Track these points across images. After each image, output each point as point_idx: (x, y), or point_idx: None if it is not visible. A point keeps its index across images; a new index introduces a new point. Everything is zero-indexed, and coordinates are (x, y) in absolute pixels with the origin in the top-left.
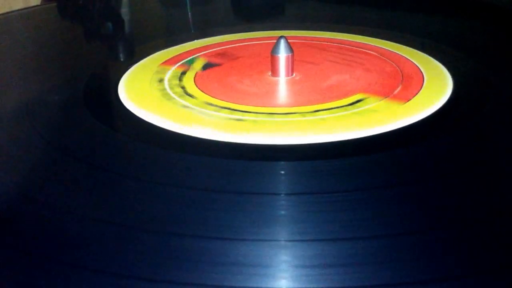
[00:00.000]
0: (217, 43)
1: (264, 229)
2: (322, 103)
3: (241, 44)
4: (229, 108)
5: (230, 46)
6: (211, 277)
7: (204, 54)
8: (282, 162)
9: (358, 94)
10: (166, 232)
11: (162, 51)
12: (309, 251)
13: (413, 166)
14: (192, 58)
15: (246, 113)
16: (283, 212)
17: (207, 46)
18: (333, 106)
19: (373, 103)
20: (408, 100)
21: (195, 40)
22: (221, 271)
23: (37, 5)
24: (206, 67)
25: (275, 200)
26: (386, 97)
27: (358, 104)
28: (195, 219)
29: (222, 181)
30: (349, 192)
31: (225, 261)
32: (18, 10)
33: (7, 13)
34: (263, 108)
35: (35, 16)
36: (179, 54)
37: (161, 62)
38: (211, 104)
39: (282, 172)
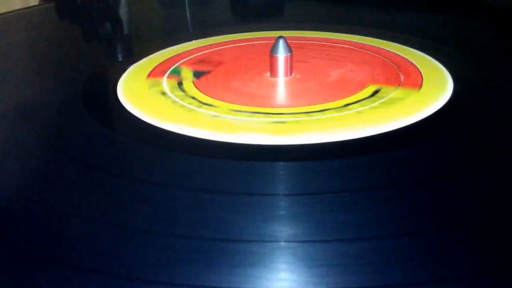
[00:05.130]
0: (216, 43)
1: (262, 229)
2: (332, 100)
3: (240, 44)
4: (233, 110)
5: (229, 46)
6: (209, 278)
7: (208, 52)
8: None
9: (370, 86)
10: (164, 232)
11: (162, 51)
12: (308, 251)
13: (414, 165)
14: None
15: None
16: (283, 212)
17: (208, 46)
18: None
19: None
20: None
21: (193, 41)
22: (218, 272)
23: (35, 5)
24: (204, 63)
25: (277, 200)
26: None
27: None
28: (193, 220)
29: (217, 182)
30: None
31: (223, 261)
32: (17, 10)
33: (6, 13)
34: (258, 108)
35: (34, 16)
36: (183, 53)
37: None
38: (204, 103)
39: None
